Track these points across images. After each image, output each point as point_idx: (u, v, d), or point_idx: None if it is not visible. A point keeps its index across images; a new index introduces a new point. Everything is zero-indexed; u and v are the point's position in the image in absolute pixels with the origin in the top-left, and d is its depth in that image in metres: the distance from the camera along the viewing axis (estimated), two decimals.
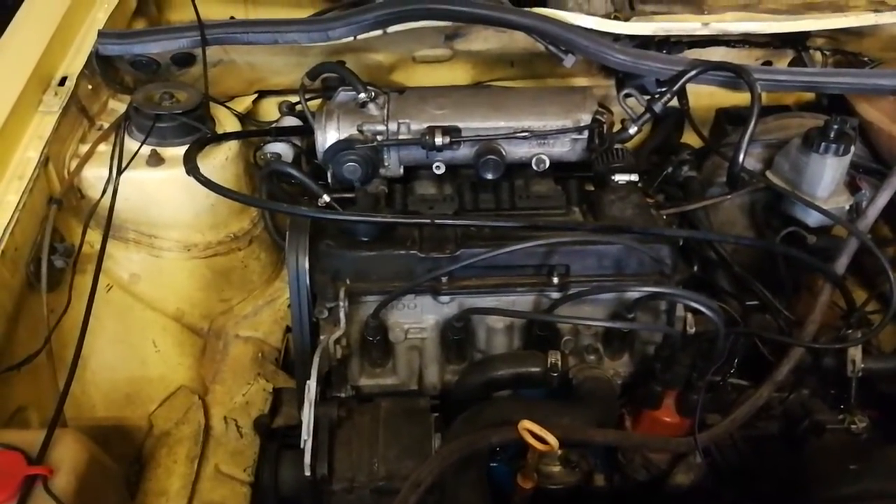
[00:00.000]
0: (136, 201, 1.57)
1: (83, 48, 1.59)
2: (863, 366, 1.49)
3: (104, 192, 1.53)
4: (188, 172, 1.45)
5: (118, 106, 1.67)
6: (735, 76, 1.55)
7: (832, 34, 1.80)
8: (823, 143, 1.52)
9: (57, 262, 1.43)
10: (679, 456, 1.49)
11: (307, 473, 1.26)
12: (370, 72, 1.78)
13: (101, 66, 1.63)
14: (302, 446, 1.27)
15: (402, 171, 1.59)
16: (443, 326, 1.48)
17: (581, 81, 1.89)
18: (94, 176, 1.54)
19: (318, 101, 1.74)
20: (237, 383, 1.62)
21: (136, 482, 1.45)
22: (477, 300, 1.46)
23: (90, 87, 1.60)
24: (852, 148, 1.54)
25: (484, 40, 1.73)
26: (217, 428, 1.55)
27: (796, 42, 1.83)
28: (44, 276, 1.39)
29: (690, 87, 1.75)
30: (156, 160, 1.56)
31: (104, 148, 1.58)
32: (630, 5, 1.83)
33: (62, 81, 1.54)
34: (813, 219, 1.59)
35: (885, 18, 1.69)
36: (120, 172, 1.53)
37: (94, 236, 1.52)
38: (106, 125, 1.61)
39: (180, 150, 1.53)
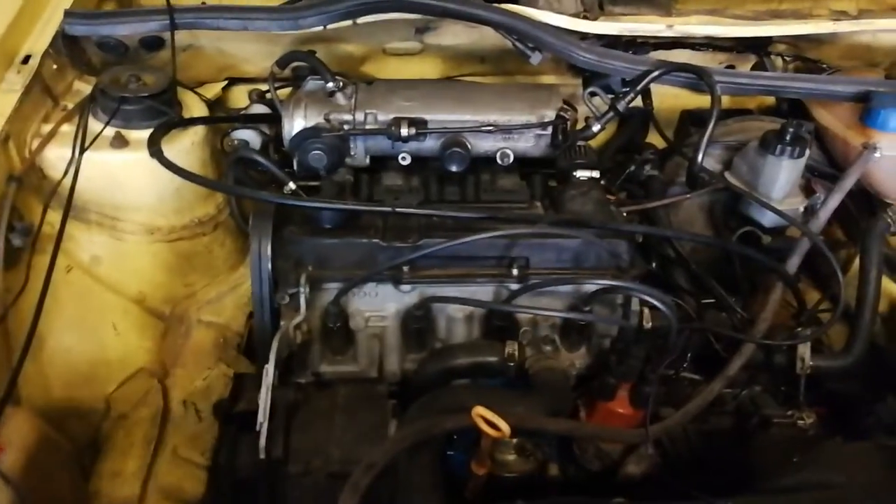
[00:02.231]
0: (99, 183, 1.57)
1: (49, 27, 1.57)
2: (811, 363, 1.52)
3: (66, 172, 1.52)
4: (151, 155, 1.45)
5: (84, 87, 1.65)
6: (697, 78, 1.59)
7: (793, 41, 1.84)
8: (779, 146, 1.57)
9: (15, 240, 1.42)
10: (631, 447, 1.52)
11: (262, 456, 1.27)
12: (341, 62, 1.79)
13: (67, 47, 1.62)
14: (258, 429, 1.28)
15: (368, 160, 1.61)
16: (404, 315, 1.50)
17: (550, 79, 1.92)
18: (57, 156, 1.53)
19: (288, 90, 1.74)
20: (198, 368, 1.62)
21: (91, 463, 1.45)
22: (438, 290, 1.49)
23: (55, 66, 1.59)
24: (807, 151, 1.58)
25: (454, 35, 1.75)
26: (176, 411, 1.54)
27: (758, 47, 1.87)
28: (0, 254, 1.38)
29: (656, 88, 1.80)
30: (120, 142, 1.56)
31: (68, 128, 1.56)
32: (599, 6, 1.87)
33: (26, 60, 1.53)
34: (768, 219, 1.63)
35: (843, 27, 1.74)
36: (82, 152, 1.52)
37: (54, 217, 1.50)
38: (70, 106, 1.60)
39: (145, 133, 1.53)
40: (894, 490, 1.24)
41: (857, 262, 1.69)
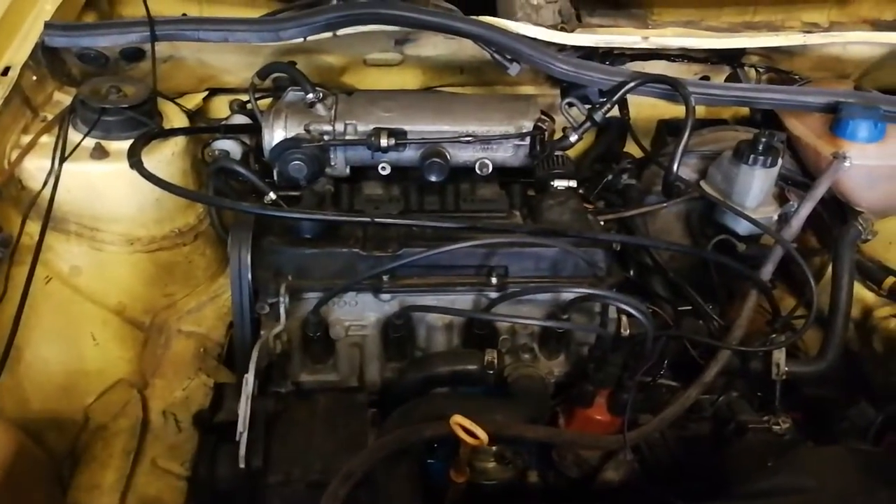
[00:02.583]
0: (78, 194, 1.57)
1: (29, 39, 1.57)
2: (787, 369, 1.55)
3: (45, 183, 1.52)
4: (131, 166, 1.46)
5: (64, 98, 1.65)
6: (671, 89, 1.62)
7: (766, 52, 1.88)
8: (752, 156, 1.59)
9: None
10: (609, 453, 1.54)
11: (242, 466, 1.28)
12: (321, 73, 1.80)
13: (47, 58, 1.62)
14: (238, 439, 1.28)
15: (348, 171, 1.62)
16: (384, 324, 1.51)
17: (528, 90, 1.94)
18: (36, 167, 1.53)
19: (269, 101, 1.75)
20: (178, 378, 1.61)
21: (69, 476, 1.44)
22: (417, 299, 1.50)
23: (35, 78, 1.59)
24: (780, 161, 1.62)
25: (434, 46, 1.77)
26: (155, 422, 1.54)
27: (733, 58, 1.91)
28: None
29: (634, 99, 1.83)
30: (100, 153, 1.56)
31: (47, 139, 1.57)
32: (577, 18, 1.90)
33: (5, 71, 1.52)
34: (743, 227, 1.66)
35: (814, 39, 1.78)
36: (62, 163, 1.52)
37: (33, 228, 1.50)
38: (50, 117, 1.61)
39: (126, 144, 1.53)
40: (866, 494, 1.26)
41: (830, 268, 1.72)
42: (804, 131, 1.75)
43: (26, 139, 1.56)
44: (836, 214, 1.77)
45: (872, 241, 1.74)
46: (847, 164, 1.65)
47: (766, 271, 1.58)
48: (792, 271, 1.84)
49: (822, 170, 1.67)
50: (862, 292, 1.80)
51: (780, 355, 1.54)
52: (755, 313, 1.62)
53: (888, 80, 1.96)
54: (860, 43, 1.82)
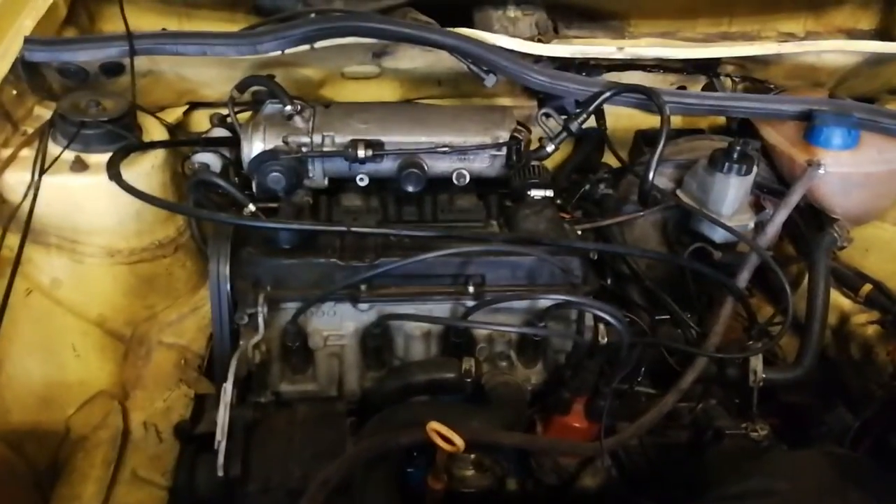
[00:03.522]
0: (58, 206, 1.58)
1: (9, 54, 1.58)
2: (764, 376, 1.56)
3: (25, 195, 1.53)
4: (110, 178, 1.47)
5: (44, 112, 1.67)
6: (647, 98, 1.63)
7: (741, 62, 1.90)
8: (727, 164, 1.61)
9: None
10: (587, 460, 1.55)
11: (220, 474, 1.28)
12: (299, 86, 1.82)
13: (27, 73, 1.63)
14: (216, 447, 1.29)
15: (326, 182, 1.63)
16: (362, 333, 1.52)
17: (505, 101, 1.96)
18: (16, 180, 1.54)
19: (248, 114, 1.77)
20: (158, 389, 1.62)
21: (50, 488, 1.44)
22: (395, 308, 1.51)
23: (15, 92, 1.60)
24: (754, 168, 1.63)
25: (411, 59, 1.79)
26: (136, 433, 1.54)
27: (708, 68, 1.93)
28: None
29: (612, 110, 1.85)
30: (80, 166, 1.57)
31: (27, 153, 1.58)
32: (554, 29, 1.93)
33: None
34: (719, 235, 1.67)
35: (788, 48, 1.80)
36: (41, 175, 1.53)
37: (13, 240, 1.51)
38: (30, 130, 1.62)
39: (105, 157, 1.54)
40: (838, 495, 1.27)
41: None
42: (779, 139, 1.77)
43: (6, 153, 1.57)
44: (812, 222, 1.79)
45: (849, 249, 1.75)
46: (822, 171, 1.66)
47: (742, 279, 1.59)
48: (768, 279, 1.85)
49: (796, 177, 1.68)
50: (839, 299, 1.82)
51: (756, 362, 1.56)
52: (733, 321, 1.64)
53: (862, 89, 1.99)
54: (834, 52, 1.84)
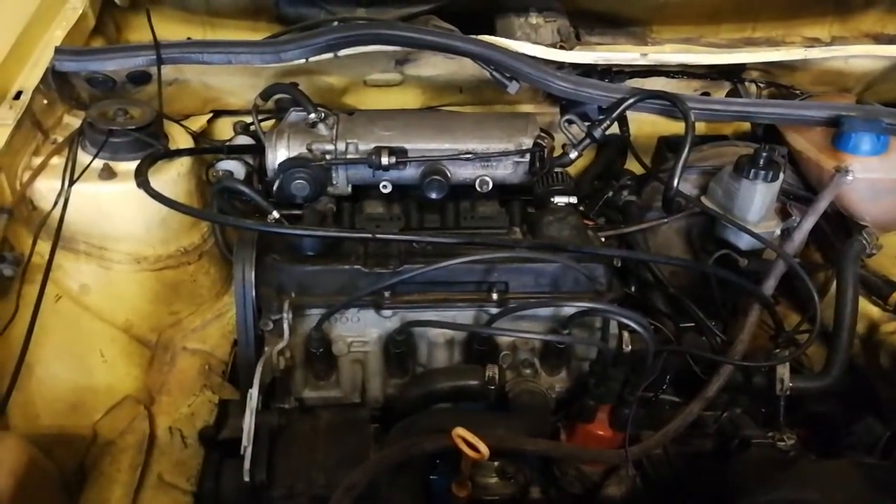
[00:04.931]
0: (87, 214, 1.60)
1: (40, 64, 1.62)
2: (791, 385, 1.54)
3: (55, 203, 1.56)
4: (138, 185, 1.48)
5: (73, 121, 1.69)
6: (671, 105, 1.63)
7: (766, 67, 1.89)
8: (753, 170, 1.60)
9: (6, 270, 1.45)
10: (611, 469, 1.54)
11: (247, 479, 1.29)
12: (322, 94, 1.83)
13: (57, 82, 1.66)
14: (242, 453, 1.30)
15: (349, 189, 1.64)
16: (385, 340, 1.52)
17: (527, 108, 1.97)
18: (47, 188, 1.57)
19: (272, 122, 1.78)
20: (183, 394, 1.64)
21: (78, 491, 1.46)
22: (418, 315, 1.51)
23: (45, 101, 1.63)
24: (781, 175, 1.62)
25: (433, 66, 1.80)
26: (162, 438, 1.56)
27: (732, 74, 1.92)
28: None
29: (634, 116, 1.84)
30: (108, 174, 1.59)
31: (57, 161, 1.61)
32: (576, 36, 1.92)
33: (17, 95, 1.57)
34: (744, 242, 1.66)
35: (814, 54, 1.78)
36: (72, 184, 1.55)
37: (44, 247, 1.54)
38: (60, 139, 1.64)
39: (133, 165, 1.56)
40: None
41: (835, 283, 1.71)
42: (806, 145, 1.76)
43: (37, 161, 1.59)
44: (840, 229, 1.77)
45: (878, 256, 1.73)
46: (850, 177, 1.65)
47: (769, 286, 1.57)
48: (795, 287, 1.83)
49: (824, 184, 1.67)
50: (868, 307, 1.79)
51: (783, 370, 1.54)
52: (757, 330, 1.62)
53: (891, 94, 1.96)
54: (862, 56, 1.82)
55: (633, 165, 2.01)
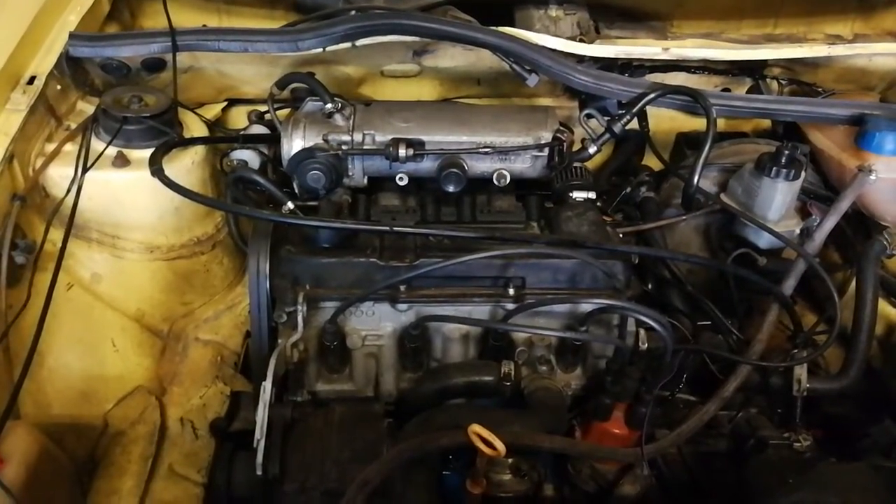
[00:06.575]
0: (100, 201, 1.59)
1: (54, 49, 1.60)
2: (808, 385, 1.53)
3: (68, 190, 1.54)
4: (153, 174, 1.47)
5: (87, 107, 1.68)
6: (692, 100, 1.60)
7: (788, 64, 1.87)
8: (774, 168, 1.58)
9: (18, 258, 1.44)
10: (626, 467, 1.52)
11: (259, 472, 1.28)
12: (339, 84, 1.81)
13: (71, 68, 1.65)
14: (255, 446, 1.29)
15: (365, 181, 1.62)
16: (400, 334, 1.50)
17: (546, 102, 1.94)
18: (60, 175, 1.56)
19: (287, 111, 1.76)
20: (195, 385, 1.63)
21: (88, 480, 1.45)
22: (434, 309, 1.49)
23: (59, 87, 1.62)
24: (802, 173, 1.60)
25: (451, 57, 1.78)
26: (173, 429, 1.56)
27: (754, 70, 1.89)
28: (3, 272, 1.40)
29: (653, 112, 1.82)
30: (122, 161, 1.58)
31: (70, 148, 1.59)
32: (595, 29, 1.90)
33: (31, 80, 1.55)
34: (764, 241, 1.64)
35: (838, 51, 1.76)
36: (85, 171, 1.54)
37: (56, 235, 1.53)
38: (73, 125, 1.63)
39: (147, 153, 1.55)
40: None
41: (853, 284, 1.70)
42: (828, 144, 1.73)
43: (50, 147, 1.58)
44: (860, 229, 1.75)
45: None
46: (873, 177, 1.62)
47: (788, 286, 1.55)
48: (813, 287, 1.81)
49: (846, 183, 1.64)
50: (886, 309, 1.77)
51: (801, 371, 1.52)
52: (775, 329, 1.61)
53: None
54: (886, 55, 1.80)
55: (650, 161, 1.98)
